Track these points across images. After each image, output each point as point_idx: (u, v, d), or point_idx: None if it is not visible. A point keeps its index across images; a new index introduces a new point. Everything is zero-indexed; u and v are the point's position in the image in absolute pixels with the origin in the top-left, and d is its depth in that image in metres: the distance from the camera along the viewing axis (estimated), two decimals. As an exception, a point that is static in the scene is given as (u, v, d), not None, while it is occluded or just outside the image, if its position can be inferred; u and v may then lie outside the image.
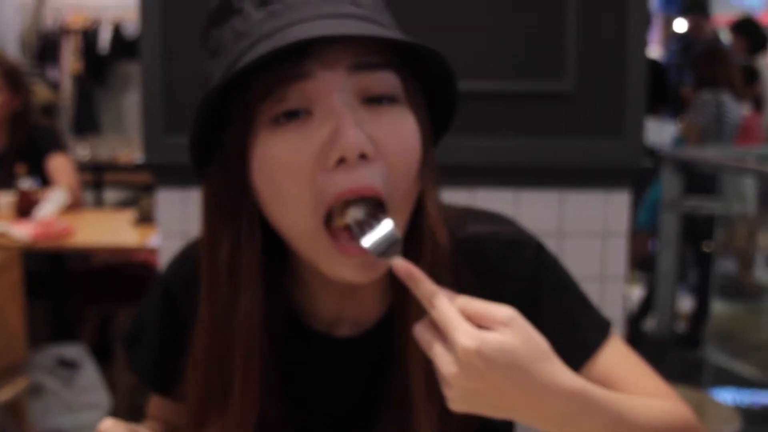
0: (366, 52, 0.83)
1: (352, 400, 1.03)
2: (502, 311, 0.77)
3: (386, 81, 0.85)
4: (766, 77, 5.63)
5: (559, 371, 0.79)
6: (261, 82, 0.82)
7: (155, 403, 1.15)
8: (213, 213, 0.91)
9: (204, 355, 0.93)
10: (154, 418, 1.15)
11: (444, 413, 0.87)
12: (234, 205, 0.88)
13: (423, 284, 0.78)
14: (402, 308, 0.92)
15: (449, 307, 0.77)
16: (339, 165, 0.80)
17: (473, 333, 0.75)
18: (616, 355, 1.02)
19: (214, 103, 0.84)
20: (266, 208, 0.87)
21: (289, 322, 0.99)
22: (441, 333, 0.77)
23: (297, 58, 0.81)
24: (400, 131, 0.85)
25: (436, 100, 0.94)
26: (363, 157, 0.81)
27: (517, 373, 0.75)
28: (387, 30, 0.85)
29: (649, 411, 0.91)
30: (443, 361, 0.76)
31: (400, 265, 0.78)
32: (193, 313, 0.96)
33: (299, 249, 0.88)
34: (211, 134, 0.88)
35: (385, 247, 0.80)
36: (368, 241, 0.80)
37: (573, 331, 1.01)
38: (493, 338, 0.75)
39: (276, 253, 0.93)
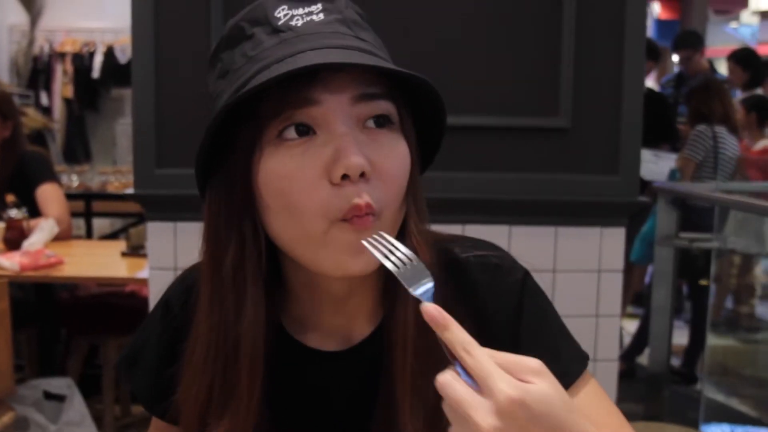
0: (368, 82, 0.90)
1: (340, 414, 1.05)
2: (533, 362, 0.76)
3: (384, 109, 0.92)
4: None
5: (583, 420, 0.78)
6: (271, 102, 0.88)
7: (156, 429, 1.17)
8: (218, 223, 0.95)
9: (205, 361, 0.96)
10: None
11: (427, 423, 0.92)
12: (239, 217, 0.93)
13: (456, 331, 0.77)
14: (392, 325, 0.96)
15: (487, 357, 0.75)
16: (343, 180, 0.87)
17: (515, 383, 0.73)
18: (590, 389, 1.04)
19: (223, 119, 0.89)
20: (271, 220, 0.92)
21: (280, 336, 1.02)
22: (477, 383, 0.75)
23: (306, 83, 0.87)
24: (394, 154, 0.92)
25: (425, 133, 1.00)
26: (362, 175, 0.87)
27: (555, 422, 0.74)
28: (388, 63, 0.92)
29: None
30: (481, 412, 0.73)
31: (431, 309, 0.78)
32: (191, 332, 1.00)
33: (303, 256, 0.93)
34: (218, 149, 0.93)
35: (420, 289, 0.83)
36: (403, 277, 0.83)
37: (552, 360, 0.95)
38: (535, 389, 0.73)
39: (270, 271, 0.97)
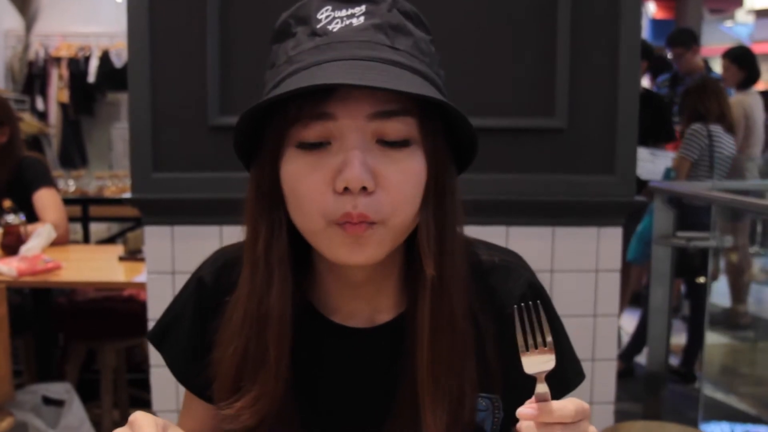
0: (387, 99, 0.94)
1: (364, 392, 1.11)
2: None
3: (402, 126, 0.95)
4: (755, 112, 5.63)
5: None
6: (293, 111, 0.94)
7: (186, 410, 1.23)
8: (254, 208, 1.03)
9: (242, 326, 1.04)
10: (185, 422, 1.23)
11: (449, 417, 1.00)
12: (269, 202, 1.01)
13: (549, 410, 0.86)
14: (413, 317, 1.03)
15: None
16: (345, 191, 0.93)
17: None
18: None
19: (257, 113, 0.96)
20: (290, 210, 1.00)
21: (309, 312, 1.10)
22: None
23: (324, 97, 0.92)
24: (405, 170, 0.96)
25: (460, 138, 1.03)
26: (364, 188, 0.92)
27: None
28: (408, 79, 0.93)
29: None
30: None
31: (526, 414, 0.86)
32: (224, 306, 1.09)
33: (314, 244, 1.01)
34: (256, 136, 1.01)
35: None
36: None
37: (556, 367, 1.05)
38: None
39: (300, 254, 1.06)
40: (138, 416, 0.95)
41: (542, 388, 0.87)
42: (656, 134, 5.20)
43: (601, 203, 2.53)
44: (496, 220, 2.49)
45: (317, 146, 0.94)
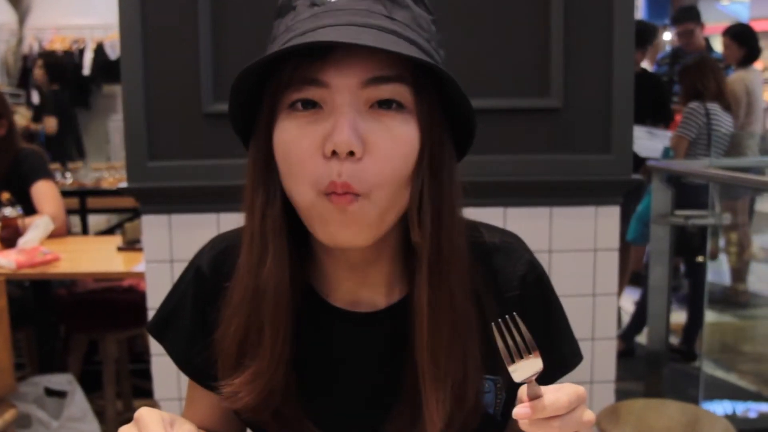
0: (381, 65, 0.93)
1: (367, 378, 1.11)
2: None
3: (395, 92, 0.94)
4: (755, 89, 5.62)
5: None
6: (286, 75, 0.94)
7: (190, 404, 1.23)
8: (251, 181, 1.02)
9: (241, 302, 1.03)
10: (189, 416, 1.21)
11: (452, 400, 1.00)
12: (265, 173, 1.00)
13: (542, 407, 0.86)
14: (412, 303, 1.02)
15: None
16: (333, 155, 0.92)
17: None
18: None
19: (252, 86, 0.98)
20: (284, 183, 0.98)
21: (308, 294, 1.09)
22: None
23: (318, 62, 0.92)
24: (396, 136, 0.94)
25: (457, 116, 1.01)
26: (352, 154, 0.91)
27: None
28: (403, 46, 0.92)
29: None
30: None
31: (521, 414, 0.86)
32: (223, 294, 1.07)
33: (306, 224, 0.99)
34: (252, 112, 1.01)
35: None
36: (519, 375, 0.90)
37: (550, 351, 1.08)
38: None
39: (300, 239, 1.05)
40: (144, 413, 0.95)
41: (533, 386, 0.87)
42: (655, 115, 5.19)
43: (598, 182, 2.53)
44: (493, 201, 2.49)
45: (309, 106, 0.94)
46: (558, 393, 0.86)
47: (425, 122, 0.97)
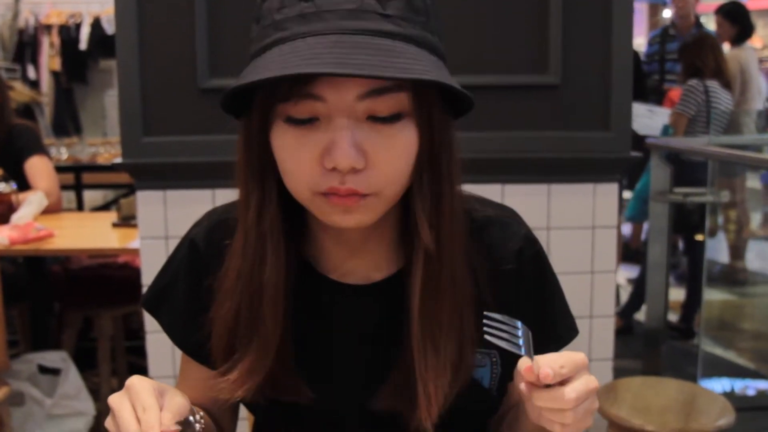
0: (377, 79, 0.89)
1: (362, 352, 1.11)
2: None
3: (394, 102, 0.92)
4: (750, 67, 5.59)
5: None
6: (280, 90, 0.91)
7: (183, 378, 1.24)
8: (245, 173, 1.01)
9: (234, 287, 1.04)
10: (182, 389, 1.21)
11: (447, 372, 1.00)
12: (259, 169, 0.99)
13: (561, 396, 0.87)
14: (409, 271, 1.02)
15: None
16: (333, 170, 0.92)
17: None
18: None
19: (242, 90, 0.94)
20: (282, 175, 0.98)
21: (305, 272, 1.09)
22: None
23: (311, 76, 0.89)
24: (396, 145, 0.93)
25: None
26: (354, 169, 0.91)
27: None
28: (399, 53, 0.89)
29: None
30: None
31: (525, 369, 0.88)
32: (217, 266, 1.08)
33: (303, 205, 0.99)
34: (245, 98, 0.98)
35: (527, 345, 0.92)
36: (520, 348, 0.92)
37: (546, 325, 1.13)
38: None
39: (294, 213, 1.04)
40: (135, 381, 0.94)
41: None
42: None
43: (597, 159, 2.51)
44: (491, 178, 2.47)
45: (307, 121, 0.93)
46: (578, 386, 0.87)
47: (425, 123, 0.96)
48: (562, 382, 0.87)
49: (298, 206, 1.02)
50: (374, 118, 0.92)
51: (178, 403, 0.95)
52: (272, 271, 1.01)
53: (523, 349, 0.90)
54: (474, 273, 1.06)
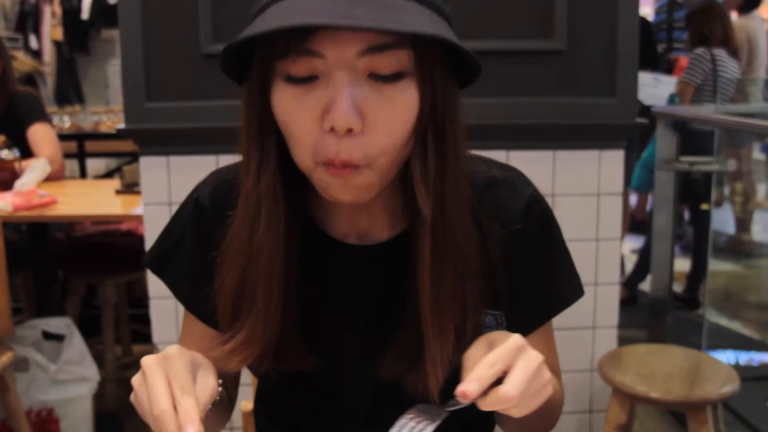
0: (378, 33, 0.88)
1: (365, 311, 1.10)
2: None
3: (395, 60, 0.90)
4: (758, 36, 5.54)
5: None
6: (279, 44, 0.89)
7: (186, 338, 1.22)
8: (246, 135, 1.00)
9: (237, 255, 1.02)
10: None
11: (453, 333, 0.99)
12: (259, 130, 0.98)
13: (479, 374, 0.85)
14: (415, 232, 1.00)
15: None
16: (331, 130, 0.89)
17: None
18: (550, 328, 1.19)
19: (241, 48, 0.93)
20: (286, 142, 0.96)
21: (310, 232, 1.08)
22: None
23: (312, 33, 0.88)
24: (396, 106, 0.91)
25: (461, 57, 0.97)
26: (350, 130, 0.89)
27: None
28: (400, 7, 0.87)
29: None
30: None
31: (471, 391, 0.85)
32: (223, 225, 1.06)
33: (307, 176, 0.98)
34: (245, 58, 0.97)
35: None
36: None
37: (552, 285, 1.14)
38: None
39: (298, 176, 1.01)
40: (174, 352, 0.90)
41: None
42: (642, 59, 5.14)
43: (602, 126, 2.50)
44: (496, 144, 2.46)
45: (306, 80, 0.90)
46: (516, 378, 0.85)
47: (427, 83, 0.93)
48: (502, 379, 0.85)
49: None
50: (375, 77, 0.90)
51: (210, 387, 0.91)
52: (268, 233, 0.99)
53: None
54: (480, 235, 1.05)
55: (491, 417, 1.22)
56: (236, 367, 1.04)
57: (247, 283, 1.01)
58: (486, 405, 0.85)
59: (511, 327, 1.11)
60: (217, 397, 0.94)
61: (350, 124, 0.88)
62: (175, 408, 0.83)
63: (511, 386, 0.83)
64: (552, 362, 1.17)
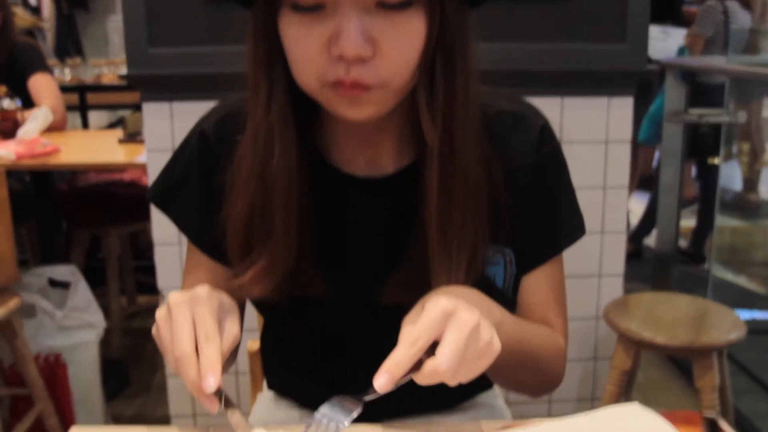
0: None
1: (373, 242, 1.10)
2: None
3: None
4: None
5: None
6: None
7: (189, 275, 1.20)
8: (253, 63, 0.98)
9: (248, 182, 1.01)
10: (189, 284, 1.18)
11: (459, 266, 0.99)
12: (267, 58, 0.97)
13: (395, 364, 0.82)
14: (423, 164, 0.99)
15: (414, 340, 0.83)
16: (340, 58, 0.88)
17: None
18: (558, 265, 1.17)
19: None
20: (290, 67, 0.95)
21: (317, 163, 1.07)
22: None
23: None
24: (406, 33, 0.90)
25: None
26: (360, 57, 0.88)
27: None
28: None
29: (539, 335, 1.11)
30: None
31: (382, 384, 0.82)
32: (228, 164, 1.05)
33: (311, 95, 0.97)
34: None
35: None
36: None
37: (558, 220, 1.13)
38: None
39: (306, 105, 1.01)
40: (203, 294, 0.90)
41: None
42: (661, 14, 5.07)
43: (612, 72, 2.46)
44: (503, 91, 2.42)
45: (313, 8, 0.89)
46: (446, 349, 0.81)
47: (436, 10, 0.92)
48: (432, 349, 0.82)
49: (308, 98, 0.99)
50: (383, 5, 0.88)
51: (233, 333, 0.91)
52: (282, 162, 0.99)
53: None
54: (489, 168, 1.04)
55: None
56: (259, 295, 1.04)
57: (260, 210, 1.01)
58: (421, 379, 0.82)
59: (520, 266, 1.11)
60: (239, 342, 0.94)
61: (360, 52, 0.87)
62: (197, 352, 0.84)
63: (441, 359, 0.80)
64: (558, 301, 1.16)
